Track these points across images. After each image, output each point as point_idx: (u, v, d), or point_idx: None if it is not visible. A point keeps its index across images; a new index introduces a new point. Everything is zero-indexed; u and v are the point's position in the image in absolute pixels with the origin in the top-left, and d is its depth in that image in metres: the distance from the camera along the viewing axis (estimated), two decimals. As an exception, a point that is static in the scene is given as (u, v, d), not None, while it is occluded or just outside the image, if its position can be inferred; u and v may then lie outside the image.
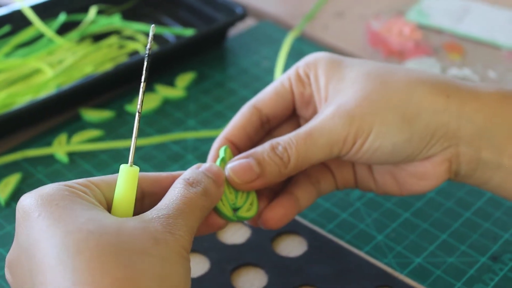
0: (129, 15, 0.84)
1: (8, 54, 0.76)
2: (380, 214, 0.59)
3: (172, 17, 0.85)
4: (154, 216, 0.40)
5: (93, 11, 0.81)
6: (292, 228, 0.57)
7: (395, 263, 0.55)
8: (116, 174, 0.44)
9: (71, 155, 0.66)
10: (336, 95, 0.50)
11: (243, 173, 0.48)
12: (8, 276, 0.42)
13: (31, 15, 0.78)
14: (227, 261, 0.54)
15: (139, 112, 0.43)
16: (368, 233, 0.58)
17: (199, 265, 0.54)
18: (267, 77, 0.76)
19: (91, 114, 0.70)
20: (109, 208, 0.43)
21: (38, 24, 0.78)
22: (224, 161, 0.50)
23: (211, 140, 0.59)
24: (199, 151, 0.66)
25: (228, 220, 0.48)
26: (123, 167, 0.43)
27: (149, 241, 0.38)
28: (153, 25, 0.43)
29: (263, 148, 0.49)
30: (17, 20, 0.79)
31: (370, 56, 0.80)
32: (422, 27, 0.85)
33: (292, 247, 0.56)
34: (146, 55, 0.43)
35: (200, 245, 0.55)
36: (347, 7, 0.89)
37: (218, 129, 0.68)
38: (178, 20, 0.84)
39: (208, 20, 0.82)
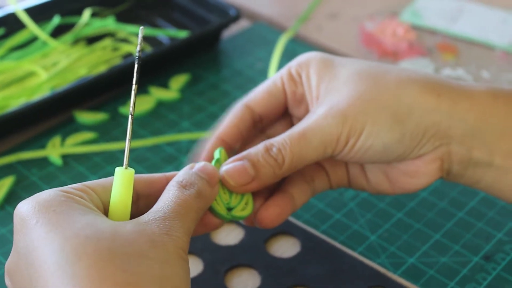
0: (123, 18, 0.84)
1: (2, 57, 0.76)
2: (374, 214, 0.60)
3: (166, 19, 0.85)
4: (151, 218, 0.40)
5: (87, 13, 0.81)
6: (286, 229, 0.57)
7: (388, 263, 0.55)
8: (112, 177, 0.44)
9: (65, 157, 0.66)
10: (328, 94, 0.50)
11: (238, 176, 0.48)
12: (8, 282, 0.42)
13: (25, 18, 0.78)
14: (221, 262, 0.54)
15: (131, 115, 0.43)
16: (362, 234, 0.58)
17: (193, 267, 0.54)
18: (261, 79, 0.76)
19: (85, 117, 0.70)
20: (106, 211, 0.43)
21: (32, 26, 0.78)
22: (219, 162, 0.50)
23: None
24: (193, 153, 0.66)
25: (223, 219, 0.48)
26: (118, 170, 0.43)
27: (146, 244, 0.38)
28: (141, 27, 0.43)
29: (257, 150, 0.49)
30: (11, 23, 0.79)
31: (364, 57, 0.80)
32: (416, 28, 0.85)
33: (285, 248, 0.56)
34: (137, 57, 0.42)
35: (194, 246, 0.55)
36: (341, 8, 0.89)
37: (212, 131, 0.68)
38: (172, 22, 0.84)
39: (202, 22, 0.82)
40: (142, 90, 0.74)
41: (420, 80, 0.49)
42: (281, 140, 0.49)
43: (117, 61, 0.77)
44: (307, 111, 0.53)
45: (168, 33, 0.81)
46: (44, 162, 0.65)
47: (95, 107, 0.72)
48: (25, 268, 0.39)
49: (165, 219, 0.41)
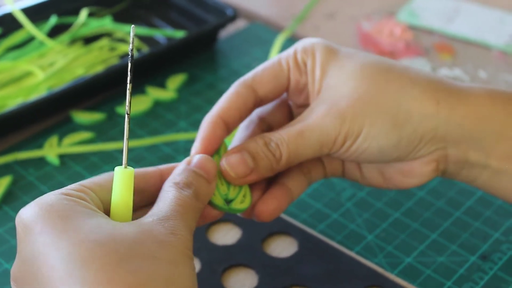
0: (120, 18, 0.84)
1: (-1, 57, 0.76)
2: (371, 214, 0.60)
3: (163, 19, 0.85)
4: (155, 219, 0.40)
5: (84, 13, 0.81)
6: (283, 229, 0.57)
7: (386, 263, 0.55)
8: (107, 173, 0.44)
9: (62, 157, 0.66)
10: (329, 90, 0.50)
11: (237, 167, 0.49)
12: None
13: (22, 18, 0.78)
14: (218, 261, 0.54)
15: (128, 114, 0.43)
16: (359, 233, 0.58)
17: (190, 266, 0.54)
18: (258, 79, 0.76)
19: (82, 116, 0.70)
20: (106, 210, 0.43)
21: (29, 26, 0.78)
22: (219, 155, 0.50)
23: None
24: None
25: (221, 210, 0.48)
26: (118, 170, 0.42)
27: (153, 245, 0.38)
28: (132, 26, 0.42)
29: (256, 144, 0.49)
30: (8, 23, 0.79)
31: (361, 57, 0.80)
32: (413, 28, 0.85)
33: (282, 248, 0.56)
34: (129, 56, 0.42)
35: (191, 246, 0.55)
36: (338, 8, 0.90)
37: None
38: (169, 22, 0.84)
39: (199, 22, 0.82)
40: (139, 90, 0.74)
41: (421, 83, 0.49)
42: (280, 136, 0.49)
43: (114, 61, 0.77)
44: (306, 100, 0.52)
45: (165, 33, 0.81)
46: (41, 162, 0.65)
47: (92, 107, 0.72)
48: (32, 275, 0.39)
49: (168, 219, 0.41)
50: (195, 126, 0.70)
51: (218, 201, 0.48)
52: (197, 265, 0.54)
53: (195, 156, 0.47)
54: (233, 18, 0.79)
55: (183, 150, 0.67)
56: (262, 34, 0.84)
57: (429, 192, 0.62)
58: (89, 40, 0.80)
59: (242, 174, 0.49)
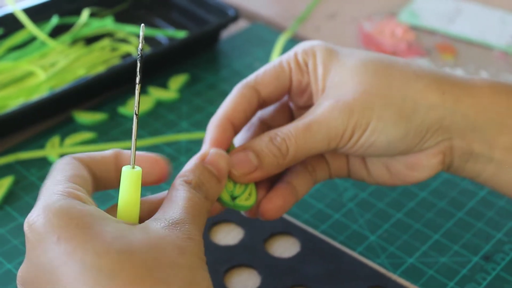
0: (121, 18, 0.84)
1: (0, 57, 0.76)
2: (373, 214, 0.60)
3: (165, 19, 0.85)
4: (170, 223, 0.40)
5: (85, 13, 0.81)
6: (285, 229, 0.57)
7: (388, 263, 0.55)
8: (97, 153, 0.44)
9: (64, 157, 0.66)
10: (334, 87, 0.50)
11: (241, 165, 0.48)
12: None
13: (23, 18, 0.78)
14: (220, 262, 0.54)
15: (136, 114, 0.42)
16: (361, 234, 0.58)
17: (192, 267, 0.54)
18: (260, 79, 0.76)
19: (83, 117, 0.70)
20: (96, 183, 0.43)
21: (30, 27, 0.78)
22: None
23: (203, 141, 0.59)
24: (192, 153, 0.66)
25: (226, 206, 0.48)
26: (125, 170, 0.42)
27: (174, 251, 0.38)
28: (142, 24, 0.42)
29: (261, 141, 0.49)
30: (9, 23, 0.79)
31: (362, 57, 0.80)
32: (415, 28, 0.85)
33: (285, 248, 0.56)
34: (139, 56, 0.42)
35: (193, 247, 0.55)
36: (339, 9, 0.90)
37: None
38: (170, 22, 0.84)
39: (201, 22, 0.82)
40: (141, 90, 0.74)
41: (425, 77, 0.50)
42: (286, 130, 0.49)
43: (115, 61, 0.77)
44: (309, 101, 0.52)
45: (166, 33, 0.81)
46: (43, 162, 0.65)
47: (94, 107, 0.72)
48: (47, 283, 0.38)
49: (184, 222, 0.40)
50: (197, 126, 0.70)
51: (225, 196, 0.48)
52: (200, 265, 0.54)
53: (211, 150, 0.46)
54: (234, 18, 0.79)
55: (184, 150, 0.67)
56: (264, 35, 0.84)
57: (432, 192, 0.62)
58: (90, 40, 0.80)
59: (245, 171, 0.48)
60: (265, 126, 0.54)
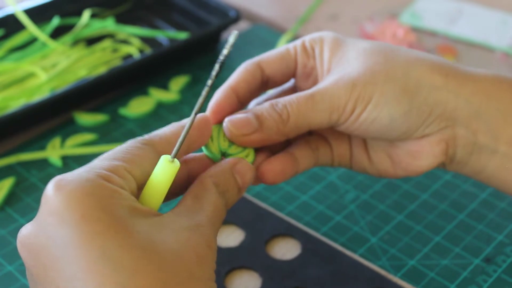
0: (122, 19, 0.84)
1: (1, 58, 0.76)
2: (374, 216, 0.60)
3: (166, 21, 0.85)
4: (192, 224, 0.40)
5: (86, 14, 0.81)
6: (286, 231, 0.57)
7: (389, 265, 0.55)
8: (144, 149, 0.43)
9: (65, 159, 0.66)
10: (340, 66, 0.50)
11: (240, 125, 0.48)
12: (24, 254, 0.39)
13: (24, 19, 0.78)
14: (221, 264, 0.54)
15: (195, 114, 0.43)
16: (362, 236, 0.58)
17: (193, 269, 0.54)
18: (261, 80, 0.76)
19: (84, 118, 0.70)
20: (139, 185, 0.41)
21: (31, 28, 0.78)
22: (212, 139, 0.49)
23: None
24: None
25: (213, 159, 0.48)
26: (164, 160, 0.41)
27: (191, 260, 0.38)
28: (235, 31, 0.43)
29: (262, 106, 0.49)
30: (10, 24, 0.79)
31: (363, 58, 0.80)
32: (416, 30, 0.85)
33: (286, 250, 0.56)
34: (221, 61, 0.43)
35: (194, 249, 0.55)
36: (340, 10, 0.89)
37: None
38: (171, 24, 0.84)
39: (202, 23, 0.82)
40: (141, 91, 0.74)
41: (428, 61, 0.50)
42: (288, 98, 0.49)
43: (116, 62, 0.77)
44: (314, 84, 0.53)
45: (167, 35, 0.81)
46: (44, 163, 0.65)
47: (95, 108, 0.72)
48: (54, 260, 0.37)
49: (207, 226, 0.40)
50: (198, 127, 0.70)
51: (214, 147, 0.48)
52: (200, 267, 0.54)
53: (240, 160, 0.46)
54: (235, 19, 0.79)
55: (186, 151, 0.67)
56: (265, 36, 0.84)
57: (433, 194, 0.62)
58: (91, 41, 0.80)
59: (244, 131, 0.48)
60: None
